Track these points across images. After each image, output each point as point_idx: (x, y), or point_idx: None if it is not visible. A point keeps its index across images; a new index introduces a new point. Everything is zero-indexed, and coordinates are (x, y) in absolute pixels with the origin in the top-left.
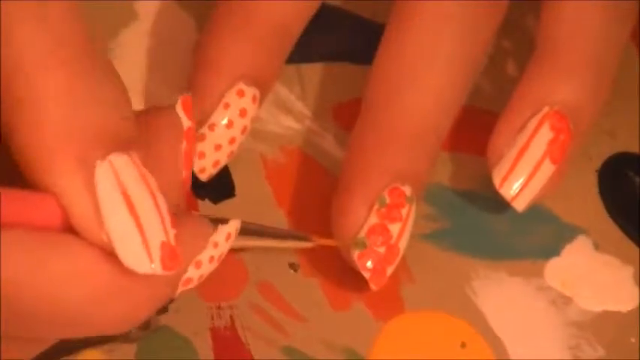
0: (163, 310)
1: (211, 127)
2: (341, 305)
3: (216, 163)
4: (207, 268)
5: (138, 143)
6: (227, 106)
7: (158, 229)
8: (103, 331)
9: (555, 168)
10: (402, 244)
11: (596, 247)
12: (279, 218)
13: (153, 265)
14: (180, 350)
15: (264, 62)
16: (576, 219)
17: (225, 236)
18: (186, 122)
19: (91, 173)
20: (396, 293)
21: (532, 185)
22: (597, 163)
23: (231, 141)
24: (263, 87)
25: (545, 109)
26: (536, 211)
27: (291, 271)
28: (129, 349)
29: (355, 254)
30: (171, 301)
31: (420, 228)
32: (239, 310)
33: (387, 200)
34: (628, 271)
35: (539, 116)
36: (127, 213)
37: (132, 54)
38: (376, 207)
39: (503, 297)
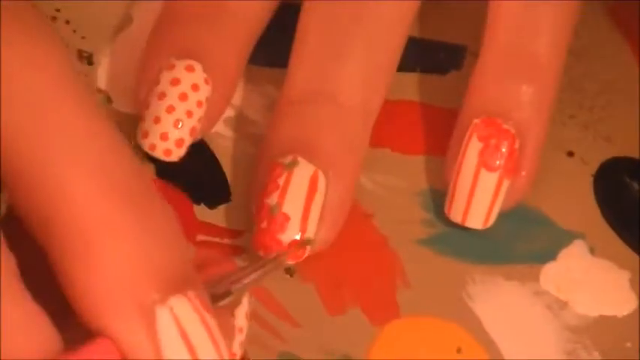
0: None
1: (147, 106)
2: (337, 310)
3: (164, 135)
4: (240, 352)
5: (195, 281)
6: (157, 81)
7: None
8: None
9: (501, 173)
10: (289, 208)
11: (592, 251)
12: None
13: None
14: None
15: (203, 38)
16: (572, 223)
17: (244, 316)
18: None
19: (152, 319)
20: (391, 298)
21: (479, 201)
22: (593, 168)
23: (169, 109)
24: (207, 60)
25: (474, 121)
26: (532, 216)
27: (287, 276)
28: None
29: (255, 244)
30: None
31: (416, 233)
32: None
33: (265, 180)
34: (624, 276)
35: (468, 132)
36: None
37: (127, 58)
38: (259, 192)
39: (499, 302)
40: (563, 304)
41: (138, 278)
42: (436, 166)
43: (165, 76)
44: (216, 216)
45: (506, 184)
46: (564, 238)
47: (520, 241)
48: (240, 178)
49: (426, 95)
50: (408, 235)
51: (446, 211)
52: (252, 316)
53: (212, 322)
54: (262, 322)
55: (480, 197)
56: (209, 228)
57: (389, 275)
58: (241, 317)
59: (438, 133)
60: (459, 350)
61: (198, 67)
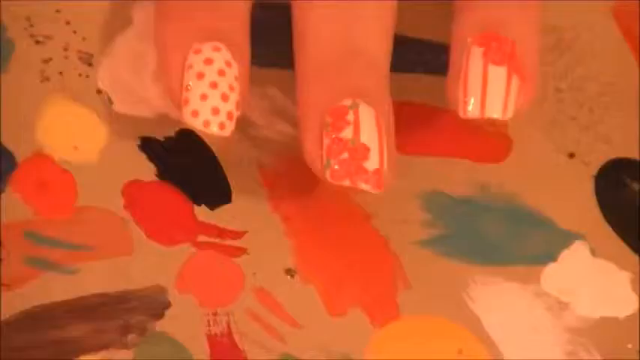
0: (160, 316)
1: (187, 89)
2: (337, 311)
3: (215, 109)
4: None
5: None
6: (190, 67)
7: None
8: None
9: (508, 68)
10: (366, 138)
11: (593, 252)
12: (274, 224)
13: None
14: (176, 356)
15: (213, 20)
16: (573, 225)
17: None
18: None
19: None
20: (392, 299)
21: (494, 89)
22: (594, 169)
23: (213, 85)
24: (224, 40)
25: (469, 39)
26: (533, 217)
27: (288, 277)
28: (125, 355)
29: (328, 177)
30: (168, 306)
31: (417, 234)
32: (235, 317)
33: (330, 120)
34: (625, 277)
35: (467, 47)
36: None
37: (126, 59)
38: (324, 132)
39: (499, 303)
40: (564, 306)
41: None
42: (437, 167)
43: (197, 59)
44: (216, 217)
45: (515, 81)
46: (565, 240)
47: (521, 242)
48: (241, 178)
49: (428, 96)
50: (409, 236)
51: (461, 113)
52: (253, 316)
53: None
54: (263, 323)
55: (493, 86)
56: (210, 229)
57: (389, 276)
58: None
59: (440, 134)
60: (459, 351)
61: (222, 46)
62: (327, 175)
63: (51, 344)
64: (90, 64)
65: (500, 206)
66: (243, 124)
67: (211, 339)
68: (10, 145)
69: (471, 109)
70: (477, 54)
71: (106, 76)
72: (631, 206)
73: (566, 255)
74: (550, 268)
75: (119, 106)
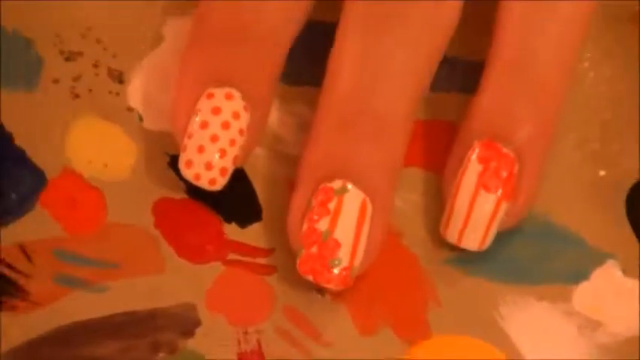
0: (190, 334)
1: (189, 136)
2: (368, 330)
3: (208, 165)
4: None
5: None
6: (198, 110)
7: None
8: None
9: (500, 196)
10: (341, 235)
11: (624, 271)
12: None
13: None
14: None
15: (237, 65)
16: (604, 243)
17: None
18: None
19: None
20: (423, 318)
21: (476, 222)
22: (625, 187)
23: (213, 138)
24: (242, 87)
25: (475, 144)
26: (564, 236)
27: (318, 295)
28: None
29: (297, 264)
30: (198, 324)
31: (446, 252)
32: (266, 335)
33: (313, 202)
34: None
35: (468, 153)
36: None
37: (158, 77)
38: (307, 212)
39: (531, 322)
40: (596, 324)
41: None
42: None
43: (206, 105)
44: (246, 235)
45: (504, 207)
46: (596, 259)
47: (552, 261)
48: (271, 196)
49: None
50: (438, 254)
51: (441, 230)
52: (283, 335)
53: None
54: (294, 342)
55: (476, 219)
56: (240, 247)
57: (420, 294)
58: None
59: None
60: None
61: (237, 94)
62: (297, 262)
63: None
64: (120, 82)
65: (530, 225)
66: (272, 141)
67: (242, 357)
68: (40, 162)
69: (449, 234)
70: (473, 172)
71: (136, 93)
72: None
73: (597, 274)
74: (582, 287)
75: (149, 124)
